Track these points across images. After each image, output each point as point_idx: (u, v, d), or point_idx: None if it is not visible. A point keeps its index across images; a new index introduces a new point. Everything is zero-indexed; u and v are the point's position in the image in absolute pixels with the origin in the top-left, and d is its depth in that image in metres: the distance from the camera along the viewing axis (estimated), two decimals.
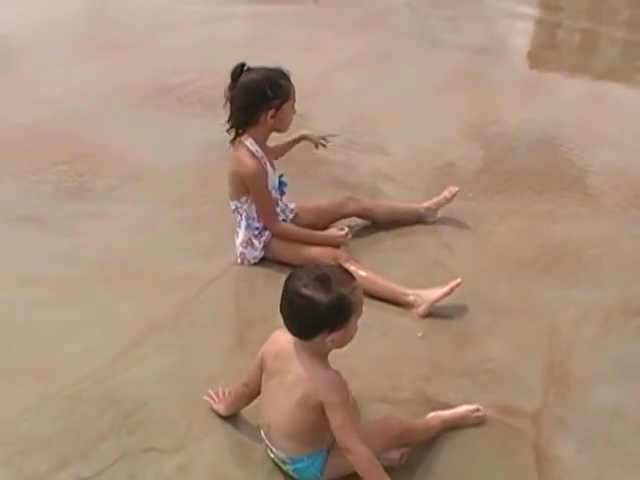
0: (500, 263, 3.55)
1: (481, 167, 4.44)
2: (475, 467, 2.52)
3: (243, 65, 3.31)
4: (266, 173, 3.34)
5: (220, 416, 2.61)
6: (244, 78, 3.27)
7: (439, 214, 3.82)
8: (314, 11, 7.85)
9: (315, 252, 3.31)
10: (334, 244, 3.38)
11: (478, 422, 2.65)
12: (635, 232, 3.84)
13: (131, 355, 2.89)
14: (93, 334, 2.99)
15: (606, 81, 6.08)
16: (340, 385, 2.24)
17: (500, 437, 2.63)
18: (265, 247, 3.41)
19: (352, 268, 3.00)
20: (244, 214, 3.39)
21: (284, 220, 3.48)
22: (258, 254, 3.42)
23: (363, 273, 3.21)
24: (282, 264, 3.37)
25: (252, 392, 2.51)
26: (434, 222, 3.79)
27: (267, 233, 3.41)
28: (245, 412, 2.63)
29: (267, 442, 2.42)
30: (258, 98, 3.25)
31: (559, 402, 2.78)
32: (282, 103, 3.27)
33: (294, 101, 3.33)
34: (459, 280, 3.19)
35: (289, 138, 3.66)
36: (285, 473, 2.42)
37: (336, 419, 2.22)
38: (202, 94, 5.23)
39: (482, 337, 3.09)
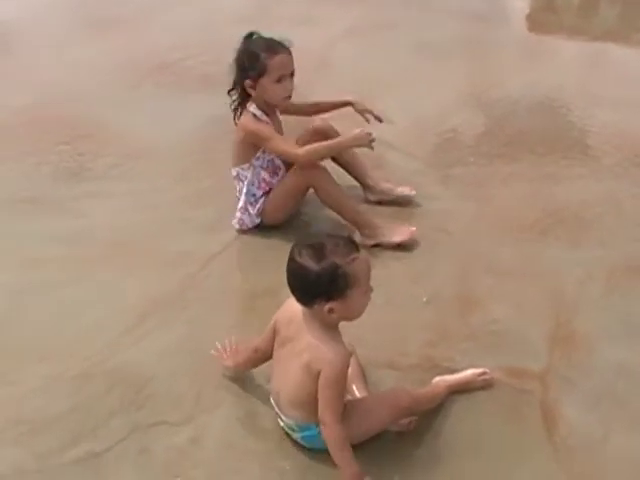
0: (502, 226, 3.55)
1: (482, 131, 4.42)
2: (483, 429, 2.53)
3: (251, 34, 3.32)
4: (271, 127, 3.34)
5: (227, 388, 2.64)
6: (239, 46, 3.30)
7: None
8: None
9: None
10: (364, 144, 3.34)
11: (485, 385, 2.66)
12: (636, 191, 3.82)
13: (137, 331, 2.91)
14: (98, 312, 3.00)
15: (605, 42, 6.00)
16: (341, 362, 2.24)
17: (507, 399, 2.64)
18: (261, 213, 3.43)
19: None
20: (245, 180, 3.40)
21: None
22: (254, 220, 3.45)
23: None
24: (284, 236, 3.38)
25: (261, 357, 2.54)
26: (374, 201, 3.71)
27: (262, 200, 3.42)
28: (253, 380, 2.66)
29: (277, 410, 2.44)
30: (237, 67, 3.29)
31: (565, 362, 2.79)
32: (259, 76, 3.24)
33: (280, 76, 3.26)
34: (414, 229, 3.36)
35: (334, 99, 3.64)
36: (295, 441, 2.44)
37: (324, 394, 2.24)
38: (201, 70, 5.20)
39: (486, 300, 3.09)
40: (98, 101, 4.74)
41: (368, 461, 2.34)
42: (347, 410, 2.37)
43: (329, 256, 2.20)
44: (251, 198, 3.42)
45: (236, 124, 3.41)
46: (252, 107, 3.33)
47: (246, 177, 3.40)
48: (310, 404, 2.31)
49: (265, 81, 3.25)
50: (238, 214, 3.45)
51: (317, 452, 2.39)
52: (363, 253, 2.28)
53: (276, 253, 3.28)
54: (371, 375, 2.69)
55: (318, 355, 2.25)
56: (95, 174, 3.97)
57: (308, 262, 2.20)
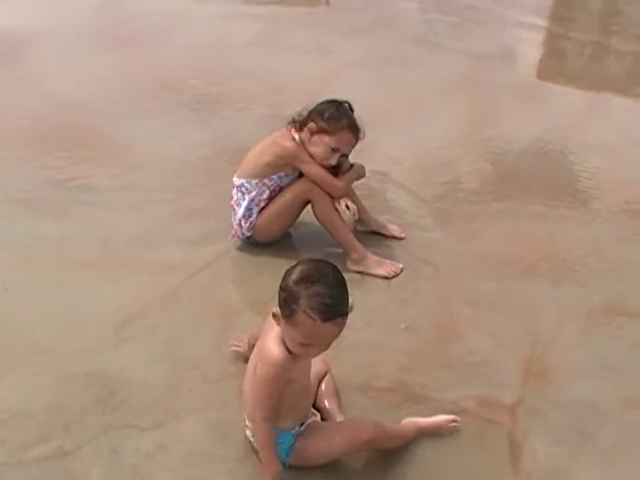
0: (487, 261, 3.60)
1: (475, 168, 4.49)
2: (450, 457, 2.55)
3: (343, 103, 3.47)
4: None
5: (201, 397, 2.69)
6: (336, 102, 3.46)
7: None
8: (324, 14, 7.93)
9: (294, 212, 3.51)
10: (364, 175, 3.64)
11: (453, 431, 2.64)
12: (621, 236, 3.89)
13: (118, 335, 2.95)
14: (81, 315, 3.05)
15: (607, 92, 6.11)
16: (274, 364, 2.23)
17: (476, 428, 2.67)
18: (253, 228, 3.49)
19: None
20: (247, 194, 3.46)
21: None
22: (245, 233, 3.51)
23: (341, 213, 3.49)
24: (272, 255, 3.47)
25: None
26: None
27: (254, 215, 3.48)
28: (229, 393, 2.69)
29: (245, 416, 2.47)
30: (317, 111, 3.40)
31: (537, 396, 2.83)
32: (323, 130, 3.37)
33: (337, 149, 3.39)
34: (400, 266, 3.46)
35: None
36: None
37: (256, 392, 2.29)
38: (205, 90, 5.32)
39: (465, 331, 3.14)
40: (101, 113, 4.85)
41: None
42: (308, 430, 2.42)
43: (304, 292, 2.16)
44: (247, 212, 3.48)
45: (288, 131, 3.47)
46: (296, 135, 3.44)
47: (249, 191, 3.46)
48: None
49: (326, 138, 3.38)
50: (234, 224, 3.52)
51: (282, 465, 2.40)
52: (329, 327, 2.16)
53: (262, 271, 3.39)
54: (343, 396, 2.72)
55: (262, 355, 2.29)
56: (92, 182, 4.04)
57: (294, 274, 2.22)
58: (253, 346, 2.54)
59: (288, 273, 2.25)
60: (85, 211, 3.77)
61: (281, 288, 2.24)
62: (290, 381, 2.30)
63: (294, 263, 2.29)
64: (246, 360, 2.57)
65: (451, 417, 2.66)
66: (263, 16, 7.20)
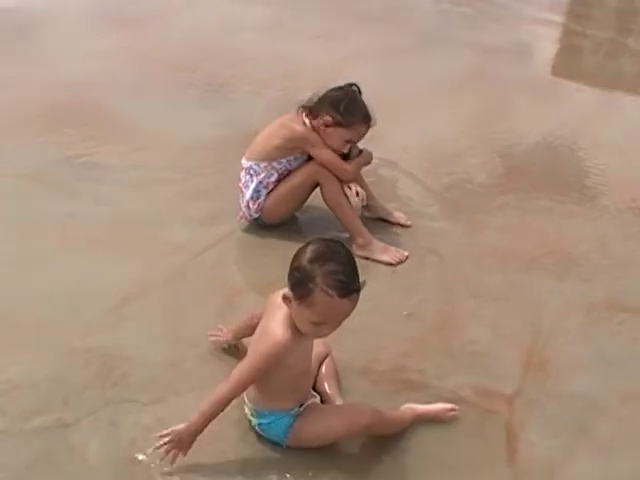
0: (492, 253, 3.60)
1: (483, 161, 4.48)
2: (447, 444, 2.56)
3: (353, 85, 3.51)
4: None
5: (201, 375, 2.70)
6: (347, 89, 3.48)
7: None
8: (335, 0, 7.90)
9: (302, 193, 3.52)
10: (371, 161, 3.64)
11: (451, 420, 2.65)
12: (627, 233, 3.89)
13: (120, 312, 2.97)
14: (84, 291, 3.07)
15: (620, 90, 6.08)
16: (275, 343, 2.25)
17: (474, 417, 2.68)
18: (261, 209, 3.50)
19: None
20: (256, 176, 3.47)
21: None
22: (253, 214, 3.52)
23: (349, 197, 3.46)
24: (278, 237, 3.48)
25: (257, 324, 2.55)
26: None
27: (262, 197, 3.49)
28: (230, 371, 2.67)
29: (244, 393, 2.48)
30: (330, 101, 3.42)
31: (536, 387, 2.84)
32: (339, 123, 3.39)
33: (351, 140, 3.44)
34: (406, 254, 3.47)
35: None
36: (258, 434, 2.48)
37: (245, 362, 2.31)
38: (216, 73, 5.32)
39: (467, 321, 3.14)
40: (109, 92, 4.85)
41: (327, 466, 2.41)
42: (307, 411, 2.44)
43: (319, 270, 2.19)
44: (255, 194, 3.49)
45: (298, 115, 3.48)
46: (306, 120, 3.45)
47: (258, 173, 3.47)
48: (264, 385, 2.36)
49: (340, 130, 3.40)
50: (242, 206, 3.53)
51: (278, 447, 2.44)
52: (345, 303, 2.21)
53: (267, 252, 3.41)
54: (344, 379, 2.74)
55: (266, 334, 2.31)
56: (99, 160, 4.05)
57: (306, 253, 2.24)
58: (249, 319, 2.62)
59: (300, 254, 2.27)
60: (92, 189, 3.78)
61: (294, 269, 2.26)
62: (289, 366, 2.31)
63: (301, 245, 2.31)
64: (225, 349, 2.72)
65: (449, 406, 2.66)
66: (273, 1, 7.17)
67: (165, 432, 2.29)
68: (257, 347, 2.35)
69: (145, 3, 6.72)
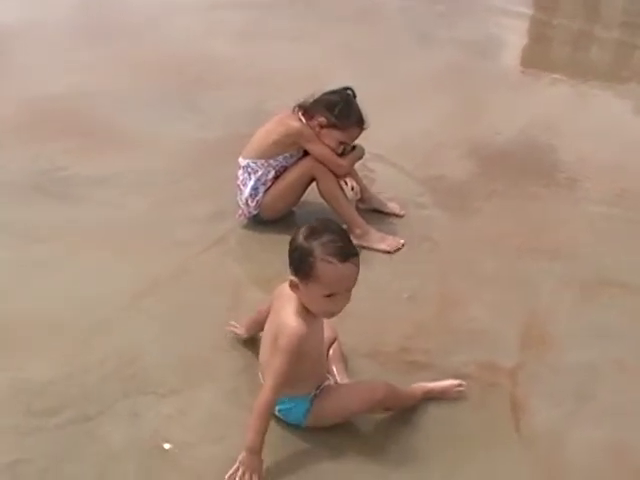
0: (483, 237, 3.73)
1: (467, 151, 4.61)
2: (453, 418, 2.67)
3: (348, 89, 3.62)
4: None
5: (215, 365, 2.81)
6: (343, 93, 3.59)
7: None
8: (309, 2, 8.00)
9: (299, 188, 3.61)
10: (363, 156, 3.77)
11: (458, 396, 2.74)
12: (609, 213, 4.03)
13: (132, 309, 3.06)
14: (97, 289, 3.15)
15: (591, 79, 6.23)
16: (293, 334, 2.33)
17: (479, 391, 2.79)
18: (260, 206, 3.60)
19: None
20: (253, 174, 3.57)
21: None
22: (252, 211, 3.62)
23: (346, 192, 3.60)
24: (278, 233, 3.56)
25: (265, 318, 2.64)
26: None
27: (260, 194, 3.58)
28: (242, 361, 2.81)
29: (262, 381, 2.57)
30: (325, 103, 3.54)
31: (536, 360, 2.96)
32: (334, 125, 3.51)
33: (345, 143, 3.57)
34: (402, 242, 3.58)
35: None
36: (276, 416, 2.56)
37: (273, 361, 2.37)
38: (198, 77, 5.40)
39: (465, 301, 3.26)
40: (98, 101, 4.91)
41: (344, 444, 2.51)
42: (324, 392, 2.53)
43: (314, 242, 2.31)
44: (253, 191, 3.58)
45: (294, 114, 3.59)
46: (302, 119, 3.56)
47: (255, 171, 3.57)
48: None
49: (336, 132, 3.52)
50: (241, 203, 3.62)
51: (297, 428, 2.54)
52: (349, 267, 2.32)
53: (268, 248, 3.51)
54: (350, 362, 2.84)
55: (281, 327, 2.39)
56: (93, 167, 4.10)
57: (300, 233, 2.36)
58: (258, 314, 2.73)
59: (294, 236, 2.39)
60: (90, 194, 3.85)
61: (293, 250, 2.37)
62: (305, 353, 2.39)
63: None
64: (243, 341, 2.83)
65: (457, 382, 2.76)
66: (249, 5, 7.25)
67: (232, 469, 2.33)
68: (273, 342, 2.41)
69: (123, 14, 6.78)
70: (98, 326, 2.94)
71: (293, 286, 2.38)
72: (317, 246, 2.30)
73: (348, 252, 2.33)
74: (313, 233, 2.34)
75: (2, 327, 2.92)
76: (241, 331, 2.87)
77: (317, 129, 3.53)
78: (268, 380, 2.38)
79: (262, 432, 2.33)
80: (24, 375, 2.69)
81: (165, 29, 6.45)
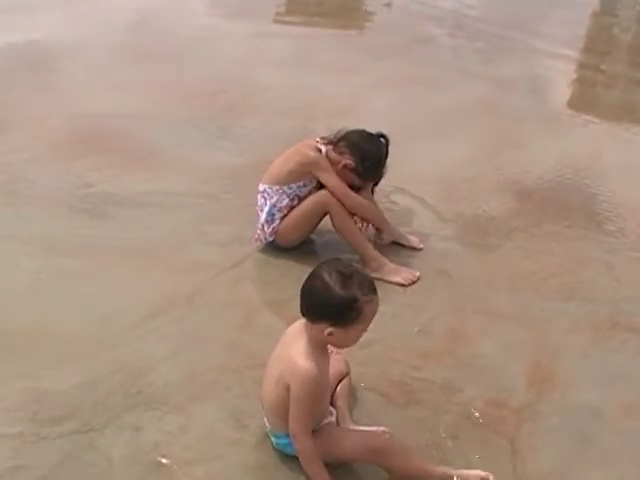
0: (500, 274, 3.73)
1: (494, 187, 4.61)
2: (454, 456, 2.66)
3: (382, 136, 3.70)
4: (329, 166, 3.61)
5: (221, 386, 2.86)
6: (379, 145, 3.68)
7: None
8: (354, 36, 8.09)
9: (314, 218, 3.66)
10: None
11: None
12: (632, 256, 4.00)
13: (144, 326, 3.13)
14: (111, 305, 3.24)
15: (627, 122, 6.20)
16: (307, 379, 2.36)
17: (481, 426, 2.80)
18: (275, 233, 3.66)
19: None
20: (269, 199, 3.64)
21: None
22: (268, 237, 3.68)
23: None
24: (294, 260, 3.63)
25: None
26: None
27: (277, 221, 3.65)
28: (249, 384, 2.85)
29: (266, 420, 2.59)
30: (358, 148, 3.61)
31: (541, 400, 2.95)
32: (358, 173, 3.61)
33: (358, 185, 3.64)
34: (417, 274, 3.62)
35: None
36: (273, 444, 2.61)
37: (293, 408, 2.39)
38: (236, 103, 5.51)
39: (475, 337, 3.27)
40: (133, 122, 5.04)
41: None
42: (322, 432, 2.52)
43: (354, 288, 2.37)
44: (269, 217, 3.65)
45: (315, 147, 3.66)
46: (322, 148, 3.65)
47: (271, 197, 3.64)
48: (279, 412, 2.47)
49: (352, 177, 3.61)
50: (258, 228, 3.69)
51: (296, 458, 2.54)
52: (377, 298, 2.45)
53: (284, 272, 3.57)
54: (355, 392, 2.87)
55: (289, 369, 2.40)
56: (124, 186, 4.22)
57: (335, 285, 2.36)
58: None
59: (324, 292, 2.37)
60: (116, 213, 3.96)
61: (336, 304, 2.36)
62: (316, 391, 2.43)
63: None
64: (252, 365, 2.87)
65: (484, 474, 2.56)
66: (292, 36, 7.39)
67: None
68: (278, 378, 2.43)
69: (168, 38, 6.94)
70: (111, 341, 3.02)
71: (330, 335, 2.40)
72: (357, 291, 2.37)
73: (374, 284, 2.45)
74: (345, 279, 2.38)
75: (21, 335, 3.03)
76: None
77: (339, 166, 3.59)
78: (295, 427, 2.40)
79: (321, 471, 2.40)
80: (35, 384, 2.78)
81: (208, 54, 6.59)
